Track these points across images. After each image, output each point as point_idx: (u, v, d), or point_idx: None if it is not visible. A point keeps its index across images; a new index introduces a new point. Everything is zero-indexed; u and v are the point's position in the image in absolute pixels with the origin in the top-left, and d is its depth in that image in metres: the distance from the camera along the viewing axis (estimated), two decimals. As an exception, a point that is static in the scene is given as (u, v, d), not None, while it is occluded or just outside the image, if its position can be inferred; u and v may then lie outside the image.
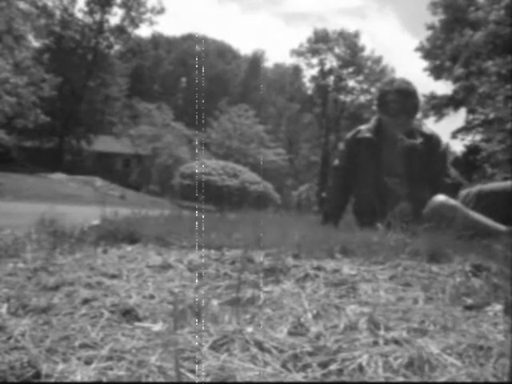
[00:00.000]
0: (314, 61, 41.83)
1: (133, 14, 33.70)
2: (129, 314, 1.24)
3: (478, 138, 22.59)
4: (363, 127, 3.55)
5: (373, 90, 42.18)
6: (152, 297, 1.42)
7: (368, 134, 3.45)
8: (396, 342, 1.02)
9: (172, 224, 3.05)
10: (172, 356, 0.92)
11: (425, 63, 24.93)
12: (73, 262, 1.97)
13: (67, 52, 31.65)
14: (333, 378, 0.88)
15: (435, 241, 2.16)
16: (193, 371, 0.88)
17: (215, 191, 21.44)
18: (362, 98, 42.81)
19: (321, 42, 41.48)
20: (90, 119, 32.15)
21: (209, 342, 1.00)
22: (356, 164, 3.48)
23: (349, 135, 3.62)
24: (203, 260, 2.00)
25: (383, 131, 3.46)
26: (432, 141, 3.47)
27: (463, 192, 3.37)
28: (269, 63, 72.85)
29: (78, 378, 0.85)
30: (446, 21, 22.72)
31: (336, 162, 3.69)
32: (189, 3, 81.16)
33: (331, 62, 41.74)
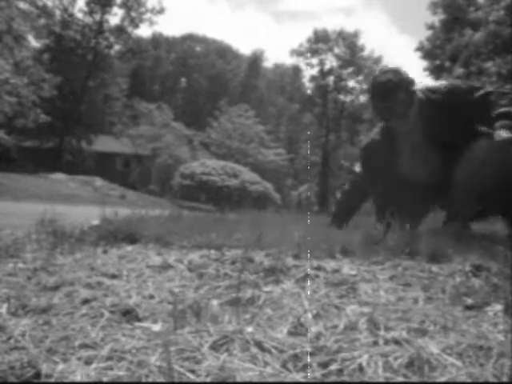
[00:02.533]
0: (314, 61, 41.86)
1: (133, 14, 33.68)
2: (129, 314, 1.24)
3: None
4: (374, 131, 3.30)
5: (372, 89, 42.12)
6: (152, 297, 1.43)
7: (379, 139, 3.17)
8: (396, 342, 1.02)
9: (172, 224, 3.05)
10: (172, 356, 0.92)
11: (418, 60, 24.85)
12: (73, 262, 1.97)
13: (67, 52, 31.63)
14: (333, 378, 0.88)
15: (435, 241, 2.16)
16: (193, 371, 0.88)
17: (215, 191, 21.46)
18: (362, 98, 42.80)
19: (320, 41, 41.46)
20: (90, 119, 32.12)
21: (209, 342, 1.00)
22: (375, 170, 3.19)
23: (363, 143, 3.43)
24: (203, 260, 2.00)
25: (392, 132, 3.12)
26: (453, 93, 2.82)
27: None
28: (268, 63, 72.80)
29: (78, 378, 0.85)
30: (446, 21, 22.71)
31: (356, 167, 3.54)
32: (188, 3, 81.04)
33: (331, 62, 41.77)
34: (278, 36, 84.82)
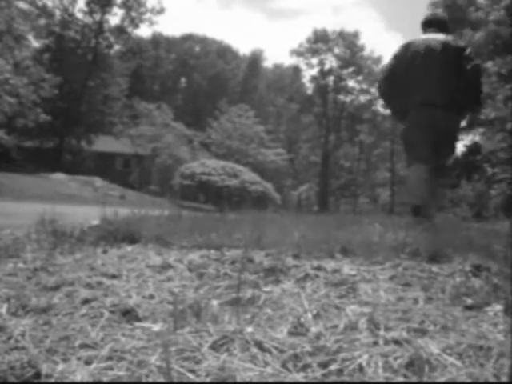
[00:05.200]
0: (314, 61, 41.85)
1: (133, 14, 33.64)
2: (129, 314, 1.24)
3: (477, 138, 22.57)
4: None
5: (372, 90, 42.20)
6: (152, 297, 1.43)
7: None
8: (396, 342, 1.02)
9: (172, 224, 3.05)
10: (171, 356, 0.92)
11: None
12: (73, 262, 1.97)
13: (67, 52, 31.60)
14: (333, 378, 0.88)
15: (435, 241, 2.16)
16: (193, 371, 0.88)
17: (215, 191, 21.45)
18: (362, 98, 42.79)
19: (320, 41, 41.46)
20: (89, 119, 32.09)
21: (209, 342, 1.00)
22: None
23: None
24: (203, 260, 2.00)
25: None
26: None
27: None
28: (268, 63, 72.72)
29: (78, 378, 0.85)
30: (446, 21, 22.71)
31: None
32: (188, 3, 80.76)
33: (331, 62, 41.77)
34: (269, 34, 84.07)
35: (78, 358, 0.93)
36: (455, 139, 3.89)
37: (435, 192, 3.66)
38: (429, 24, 3.84)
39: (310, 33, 42.37)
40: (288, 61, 50.58)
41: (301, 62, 43.02)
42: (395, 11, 77.00)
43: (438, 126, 3.62)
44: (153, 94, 43.52)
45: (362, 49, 42.11)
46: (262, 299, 1.40)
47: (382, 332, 1.09)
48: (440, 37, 3.66)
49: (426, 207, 3.44)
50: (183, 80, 51.76)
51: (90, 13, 33.19)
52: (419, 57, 3.61)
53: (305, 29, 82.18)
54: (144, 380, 0.85)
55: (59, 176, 22.71)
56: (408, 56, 3.66)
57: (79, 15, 33.18)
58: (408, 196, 3.61)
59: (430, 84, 3.60)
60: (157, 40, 48.55)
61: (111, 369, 0.89)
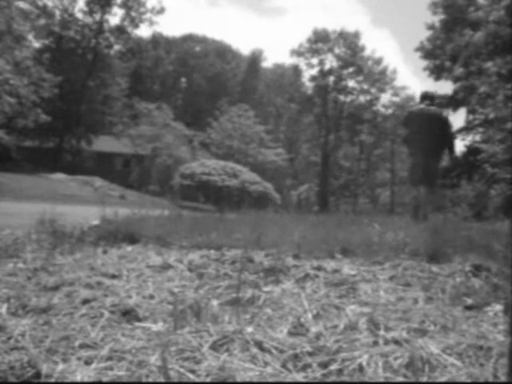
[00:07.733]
0: (314, 61, 41.81)
1: (133, 14, 33.63)
2: (129, 314, 1.24)
3: (478, 138, 22.58)
4: None
5: (373, 90, 42.18)
6: (152, 297, 1.43)
7: None
8: (396, 342, 1.02)
9: (172, 224, 3.05)
10: (172, 356, 0.92)
11: (395, 50, 24.61)
12: (73, 262, 1.97)
13: (67, 52, 31.59)
14: (333, 378, 0.88)
15: (435, 241, 2.16)
16: (193, 371, 0.88)
17: (215, 191, 21.45)
18: (362, 99, 42.75)
19: (320, 42, 41.44)
20: (89, 119, 32.08)
21: (209, 342, 1.00)
22: None
23: None
24: (203, 260, 2.00)
25: None
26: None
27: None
28: (268, 63, 72.51)
29: (78, 378, 0.85)
30: (446, 21, 22.73)
31: None
32: (188, 3, 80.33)
33: (331, 62, 41.73)
34: (260, 31, 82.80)
35: (78, 358, 0.93)
36: (436, 171, 6.02)
37: (425, 202, 5.68)
38: (424, 97, 6.18)
39: (310, 33, 42.35)
40: (282, 58, 50.53)
41: (301, 62, 43.01)
42: (382, 7, 76.21)
43: (424, 163, 5.80)
44: (153, 94, 43.49)
45: (362, 49, 42.09)
46: (262, 299, 1.40)
47: (381, 332, 1.09)
48: (432, 108, 6.10)
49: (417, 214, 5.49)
50: (183, 80, 51.72)
51: (90, 13, 33.19)
52: (419, 119, 5.95)
53: (295, 26, 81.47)
54: (144, 380, 0.85)
55: (59, 176, 22.71)
56: (413, 117, 6.07)
57: (79, 15, 33.18)
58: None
59: (425, 136, 5.82)
60: (157, 40, 48.50)
61: (111, 369, 0.89)
